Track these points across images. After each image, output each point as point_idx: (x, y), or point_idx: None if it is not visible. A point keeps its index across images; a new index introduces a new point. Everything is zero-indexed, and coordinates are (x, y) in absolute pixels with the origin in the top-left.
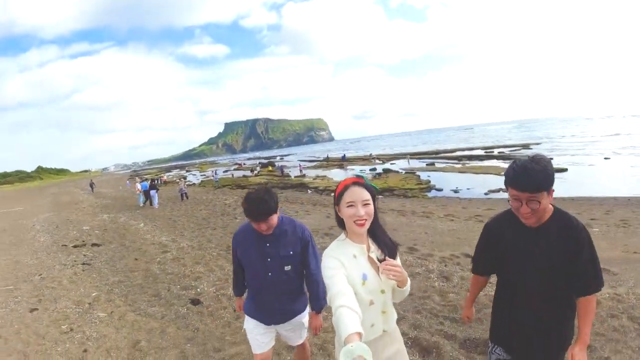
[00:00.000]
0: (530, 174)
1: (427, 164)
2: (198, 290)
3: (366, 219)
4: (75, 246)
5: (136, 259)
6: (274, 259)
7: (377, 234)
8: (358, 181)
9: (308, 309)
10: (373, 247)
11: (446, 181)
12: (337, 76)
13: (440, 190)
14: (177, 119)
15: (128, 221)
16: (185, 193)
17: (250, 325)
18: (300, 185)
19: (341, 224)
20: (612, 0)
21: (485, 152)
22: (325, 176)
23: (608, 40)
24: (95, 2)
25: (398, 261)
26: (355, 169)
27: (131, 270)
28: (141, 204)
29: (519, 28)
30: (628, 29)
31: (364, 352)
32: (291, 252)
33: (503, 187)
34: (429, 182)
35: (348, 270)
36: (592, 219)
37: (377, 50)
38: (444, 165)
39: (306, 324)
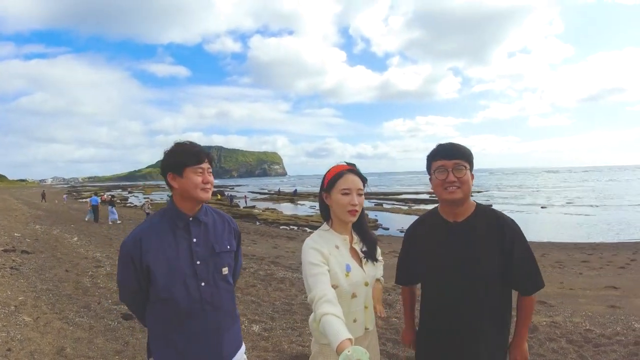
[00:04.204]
0: (453, 144)
1: (375, 204)
2: None
3: (358, 210)
4: (5, 250)
5: (67, 271)
6: (206, 260)
7: (362, 225)
8: (352, 169)
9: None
10: (356, 238)
11: (393, 221)
12: (295, 113)
13: (386, 229)
14: (124, 137)
15: (62, 234)
16: (148, 213)
17: None
18: (249, 216)
19: (324, 212)
20: None
21: (430, 196)
22: (275, 209)
23: None
24: (59, 3)
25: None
26: (306, 204)
27: (60, 280)
28: (86, 219)
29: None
30: None
31: (362, 354)
32: (228, 247)
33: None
34: (376, 220)
35: (331, 264)
36: None
37: (336, 93)
38: (391, 206)
39: None
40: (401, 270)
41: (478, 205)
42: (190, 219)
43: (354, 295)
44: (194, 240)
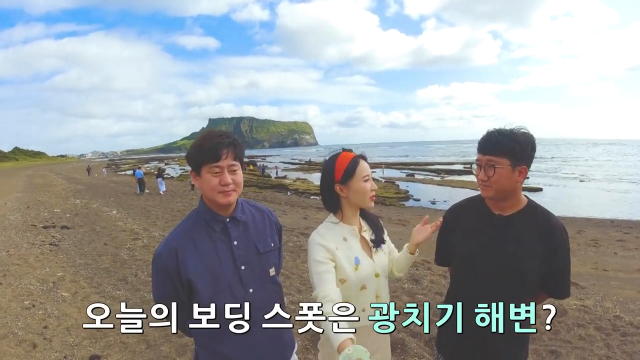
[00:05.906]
0: (493, 135)
1: (407, 175)
2: None
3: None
4: (44, 227)
5: (105, 244)
6: (251, 263)
7: (367, 210)
8: (361, 154)
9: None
10: (365, 226)
11: (424, 192)
12: (326, 82)
13: (417, 200)
14: (159, 110)
15: (101, 207)
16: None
17: None
18: (280, 186)
19: (334, 205)
20: None
21: (464, 167)
22: (305, 179)
23: None
24: None
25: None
26: None
27: (99, 254)
28: (138, 192)
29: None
30: None
31: (362, 353)
32: (272, 244)
33: None
34: (407, 192)
35: (337, 259)
36: None
37: (368, 60)
38: (423, 177)
39: None
40: (437, 253)
41: (529, 202)
42: (227, 219)
43: (363, 287)
44: (235, 243)
